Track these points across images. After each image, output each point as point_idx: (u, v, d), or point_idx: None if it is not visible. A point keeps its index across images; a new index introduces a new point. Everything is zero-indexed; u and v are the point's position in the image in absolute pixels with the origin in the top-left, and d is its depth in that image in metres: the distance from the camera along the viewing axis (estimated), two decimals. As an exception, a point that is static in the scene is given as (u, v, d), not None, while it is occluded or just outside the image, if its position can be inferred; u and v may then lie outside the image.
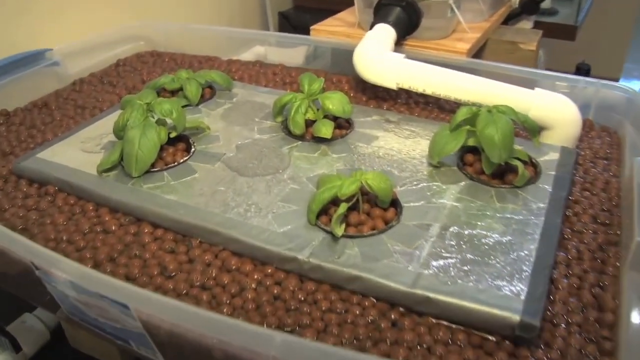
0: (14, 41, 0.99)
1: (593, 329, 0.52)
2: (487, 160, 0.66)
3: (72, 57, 1.00)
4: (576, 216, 0.66)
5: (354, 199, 0.61)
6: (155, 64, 1.05)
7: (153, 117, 0.73)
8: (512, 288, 0.52)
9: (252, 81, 0.97)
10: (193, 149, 0.74)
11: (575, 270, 0.58)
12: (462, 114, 0.67)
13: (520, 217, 0.62)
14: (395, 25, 0.89)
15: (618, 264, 0.59)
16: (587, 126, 0.84)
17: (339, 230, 0.58)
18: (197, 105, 0.86)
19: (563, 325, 0.52)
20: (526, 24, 1.27)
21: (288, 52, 1.17)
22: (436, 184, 0.67)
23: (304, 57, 1.18)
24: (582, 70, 1.23)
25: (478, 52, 1.01)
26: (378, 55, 0.82)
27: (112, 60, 1.07)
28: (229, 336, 0.46)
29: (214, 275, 0.58)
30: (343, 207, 0.58)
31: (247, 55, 1.09)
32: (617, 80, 2.47)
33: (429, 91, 0.80)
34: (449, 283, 0.53)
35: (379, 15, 0.92)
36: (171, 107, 0.72)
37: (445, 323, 0.52)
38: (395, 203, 0.63)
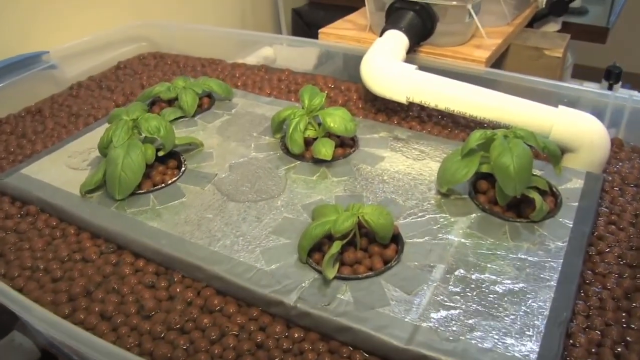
0: (8, 43, 0.95)
1: (614, 398, 0.45)
2: (501, 190, 0.59)
3: (70, 60, 0.96)
4: (599, 255, 0.59)
5: (350, 235, 0.55)
6: (157, 67, 1.00)
7: (140, 134, 0.68)
8: (522, 347, 0.46)
9: (256, 87, 0.91)
10: (183, 168, 0.69)
11: (596, 322, 0.52)
12: (475, 139, 0.61)
13: (536, 258, 0.55)
14: (407, 31, 0.83)
15: (646, 316, 0.52)
16: (616, 146, 0.76)
17: (330, 273, 0.52)
18: (194, 116, 0.81)
19: (580, 395, 0.46)
20: (553, 25, 1.18)
21: (298, 53, 1.11)
22: (444, 215, 0.61)
23: (315, 58, 1.12)
24: (613, 73, 1.15)
25: (500, 58, 0.94)
26: (387, 66, 0.76)
27: (112, 62, 1.02)
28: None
29: (194, 316, 0.53)
30: (336, 247, 0.53)
31: (254, 58, 1.03)
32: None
33: (441, 106, 0.73)
34: (450, 339, 0.47)
35: (391, 20, 0.85)
36: (158, 125, 0.67)
37: (444, 384, 0.47)
38: (396, 238, 0.57)
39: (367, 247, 0.57)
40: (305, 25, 1.61)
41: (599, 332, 0.51)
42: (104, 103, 0.89)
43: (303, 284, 0.53)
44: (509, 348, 0.46)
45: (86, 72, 0.98)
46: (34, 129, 0.84)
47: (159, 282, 0.57)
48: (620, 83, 1.23)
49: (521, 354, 0.46)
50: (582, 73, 1.37)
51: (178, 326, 0.53)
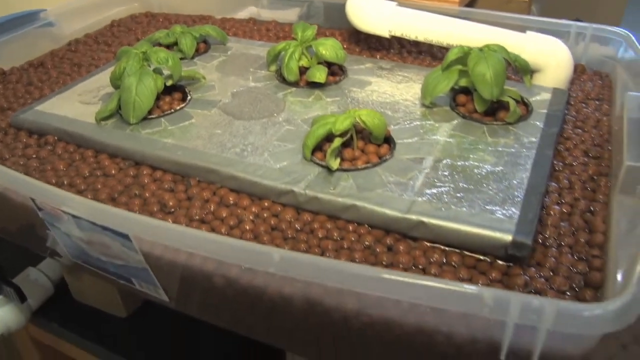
0: (8, 1, 1.00)
1: (584, 249, 0.53)
2: (479, 98, 0.67)
3: (66, 18, 1.00)
4: (568, 151, 0.67)
5: (348, 135, 0.62)
6: (149, 24, 1.06)
7: (149, 66, 0.74)
8: (505, 212, 0.54)
9: (247, 36, 0.97)
10: (189, 97, 0.75)
11: (567, 198, 0.59)
12: (453, 54, 0.68)
13: (512, 149, 0.63)
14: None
15: (608, 192, 0.60)
16: (579, 71, 0.85)
17: (334, 164, 0.59)
18: (192, 58, 0.87)
19: (555, 247, 0.54)
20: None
21: (281, 12, 1.17)
22: (429, 122, 0.68)
23: (297, 16, 1.18)
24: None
25: (471, 4, 1.02)
26: (371, 4, 0.83)
27: (106, 21, 1.07)
28: (230, 256, 0.48)
29: (212, 210, 0.59)
30: (337, 142, 0.60)
31: (242, 14, 1.09)
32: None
33: (421, 38, 0.80)
34: (443, 209, 0.54)
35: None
36: (167, 56, 0.73)
37: (439, 246, 0.54)
38: (388, 140, 0.64)
39: (363, 148, 0.63)
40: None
41: (570, 205, 0.59)
42: (103, 55, 0.94)
43: (309, 176, 0.59)
44: (495, 212, 0.54)
45: (82, 30, 1.03)
46: (39, 77, 0.89)
47: (177, 187, 0.63)
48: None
49: (505, 216, 0.53)
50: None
51: (198, 217, 0.59)
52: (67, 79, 0.87)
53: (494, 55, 0.66)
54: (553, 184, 0.61)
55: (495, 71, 0.65)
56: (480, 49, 0.67)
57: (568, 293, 0.49)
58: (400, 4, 0.83)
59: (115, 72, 0.73)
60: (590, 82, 0.81)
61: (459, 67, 0.69)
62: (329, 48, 0.75)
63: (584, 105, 0.76)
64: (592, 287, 0.49)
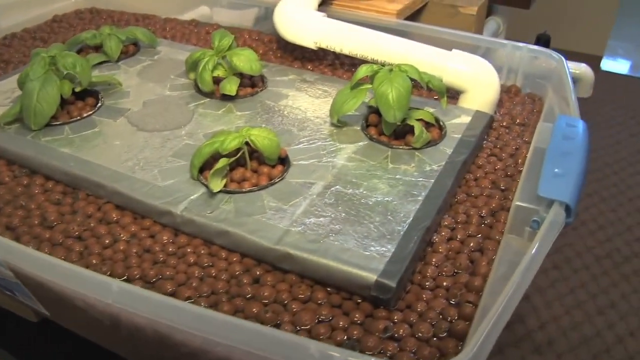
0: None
1: (460, 293, 0.51)
2: (386, 120, 0.64)
3: (5, 11, 0.99)
4: (475, 181, 0.64)
5: (238, 155, 0.60)
6: (92, 21, 1.04)
7: (59, 71, 0.72)
8: (379, 248, 0.51)
9: (184, 39, 0.95)
10: (100, 104, 0.73)
11: (460, 234, 0.57)
12: (362, 72, 0.65)
13: (410, 178, 0.60)
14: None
15: (504, 229, 0.58)
16: (513, 92, 0.82)
17: (215, 186, 0.57)
18: (118, 61, 0.84)
19: (430, 289, 0.51)
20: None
21: (237, 13, 1.15)
22: (333, 143, 0.66)
23: (254, 18, 1.16)
24: (542, 41, 1.20)
25: (416, 15, 0.99)
26: (298, 14, 0.80)
27: (49, 15, 1.05)
28: (69, 282, 0.46)
29: (92, 226, 0.58)
30: (222, 162, 0.57)
31: (191, 15, 1.07)
32: (600, 58, 2.42)
33: (346, 51, 0.78)
34: (315, 241, 0.52)
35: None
36: (74, 61, 0.71)
37: (308, 281, 0.52)
38: (284, 161, 0.62)
39: (257, 169, 0.61)
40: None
41: (461, 242, 0.56)
42: (37, 52, 0.93)
43: (192, 197, 0.57)
44: (368, 248, 0.51)
45: (21, 24, 1.01)
46: (-36, 72, 0.87)
47: (64, 200, 0.62)
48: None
49: (378, 253, 0.51)
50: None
51: (76, 235, 0.57)
52: (-9, 76, 0.86)
53: (401, 76, 0.63)
54: (449, 217, 0.59)
55: (398, 93, 0.62)
56: (391, 69, 0.65)
57: (430, 342, 0.47)
58: (330, 15, 0.81)
59: (22, 74, 0.71)
60: (521, 105, 0.79)
61: (368, 85, 0.66)
62: (244, 60, 0.73)
63: (506, 130, 0.73)
64: (456, 337, 0.47)
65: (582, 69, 0.84)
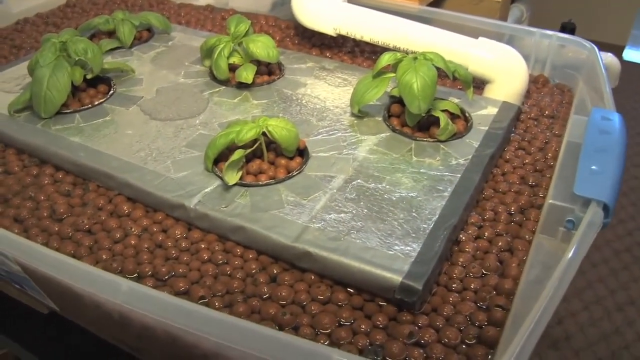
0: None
1: (489, 296, 0.48)
2: (409, 111, 0.61)
3: (18, -5, 0.96)
4: (503, 176, 0.61)
5: (255, 146, 0.57)
6: (105, 6, 1.01)
7: (70, 57, 0.69)
8: (404, 248, 0.48)
9: (199, 25, 0.92)
10: (112, 91, 0.71)
11: (488, 232, 0.54)
12: (385, 60, 0.62)
13: (435, 172, 0.57)
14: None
15: (535, 228, 0.55)
16: (541, 82, 0.78)
17: (230, 179, 0.54)
18: (131, 47, 0.82)
19: (458, 291, 0.48)
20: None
21: (254, 0, 1.12)
22: (354, 134, 0.63)
23: (270, 4, 1.12)
24: (567, 29, 1.15)
25: (439, 1, 0.95)
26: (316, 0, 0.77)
27: (62, 0, 1.03)
28: (78, 280, 0.44)
29: (102, 219, 0.55)
30: (238, 154, 0.55)
31: (206, 0, 1.04)
32: (622, 48, 2.36)
33: (366, 38, 0.74)
34: (335, 239, 0.49)
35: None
36: (86, 47, 0.68)
37: (327, 281, 0.49)
38: (303, 152, 0.59)
39: (274, 161, 0.58)
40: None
41: (489, 241, 0.53)
42: (49, 37, 0.90)
43: (206, 190, 0.55)
44: (392, 247, 0.48)
45: (34, 8, 0.98)
46: (-25, 58, 0.85)
47: (74, 191, 0.59)
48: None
49: (402, 252, 0.48)
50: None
51: (86, 228, 0.55)
52: (2, 62, 0.83)
53: (426, 65, 0.60)
54: (476, 214, 0.56)
55: (423, 83, 0.59)
56: (415, 57, 0.62)
57: (458, 348, 0.44)
58: (350, 1, 0.77)
59: (32, 61, 0.69)
60: (549, 96, 0.75)
61: (392, 74, 0.63)
62: (261, 46, 0.69)
63: (535, 122, 0.70)
64: (485, 344, 0.44)
65: (609, 58, 0.80)
